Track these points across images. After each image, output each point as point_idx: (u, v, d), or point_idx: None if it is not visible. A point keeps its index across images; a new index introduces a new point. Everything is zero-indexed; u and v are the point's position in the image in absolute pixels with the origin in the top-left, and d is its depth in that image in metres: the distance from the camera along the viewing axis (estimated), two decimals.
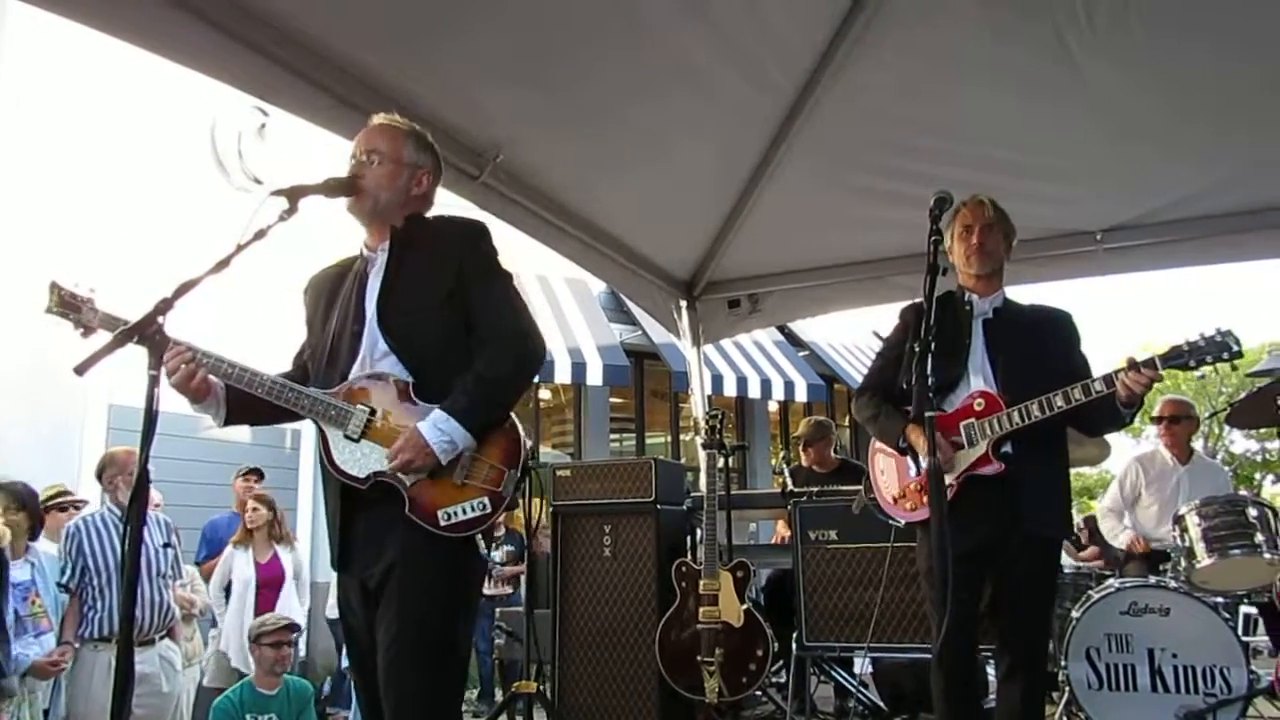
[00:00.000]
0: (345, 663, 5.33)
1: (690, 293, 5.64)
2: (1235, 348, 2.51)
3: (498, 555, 6.68)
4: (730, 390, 10.21)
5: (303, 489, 8.08)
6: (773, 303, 5.69)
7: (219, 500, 6.44)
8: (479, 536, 2.23)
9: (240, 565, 5.54)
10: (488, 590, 6.63)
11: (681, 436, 11.96)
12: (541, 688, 4.40)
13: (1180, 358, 2.56)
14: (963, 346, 2.90)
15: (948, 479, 2.80)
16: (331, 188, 2.30)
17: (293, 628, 4.47)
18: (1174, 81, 3.91)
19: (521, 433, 2.30)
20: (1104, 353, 2.88)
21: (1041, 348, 2.83)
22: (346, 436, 2.22)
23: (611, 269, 5.11)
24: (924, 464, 2.87)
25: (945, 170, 4.19)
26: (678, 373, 9.44)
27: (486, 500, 2.21)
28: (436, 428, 2.16)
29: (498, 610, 6.04)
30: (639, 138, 4.24)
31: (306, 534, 7.75)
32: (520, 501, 4.81)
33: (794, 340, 11.65)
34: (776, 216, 4.96)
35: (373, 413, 2.23)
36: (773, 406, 12.72)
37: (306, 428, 6.64)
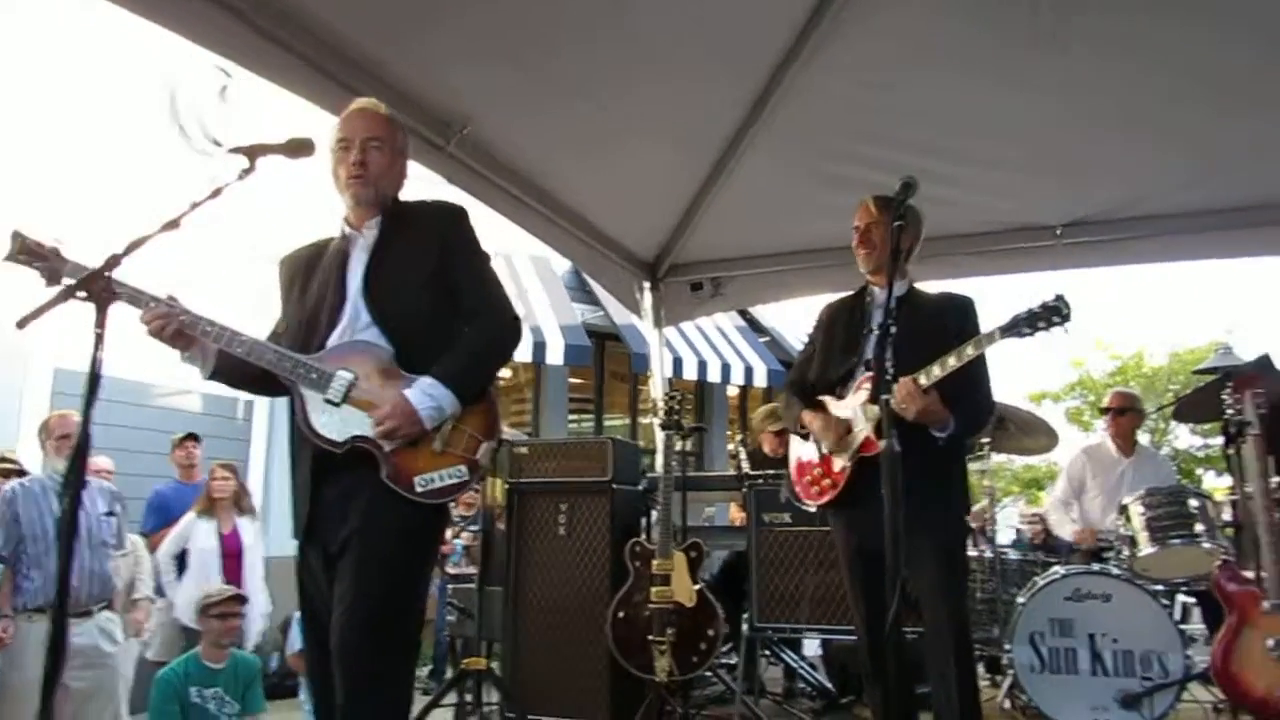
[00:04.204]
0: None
1: (654, 274, 5.63)
2: (1066, 311, 2.58)
3: (466, 536, 6.65)
4: (690, 373, 10.23)
5: (254, 460, 7.97)
6: (735, 287, 5.69)
7: (168, 469, 6.32)
8: (452, 505, 2.29)
9: (202, 535, 5.44)
10: (453, 570, 6.61)
11: (640, 419, 11.98)
12: (491, 665, 4.39)
13: (1017, 326, 2.63)
14: (862, 339, 3.03)
15: (840, 462, 2.88)
16: (293, 148, 2.25)
17: (239, 598, 4.41)
18: (1140, 78, 3.96)
19: (498, 406, 2.35)
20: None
21: (938, 333, 2.86)
22: (327, 400, 2.22)
23: (575, 247, 5.08)
24: (824, 449, 2.98)
25: (911, 159, 4.19)
26: (638, 354, 9.43)
27: (464, 468, 2.24)
28: (425, 394, 2.19)
29: (449, 588, 6.01)
30: (609, 117, 4.20)
31: (257, 506, 7.63)
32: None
33: (755, 326, 11.70)
34: (742, 201, 4.96)
35: (355, 378, 2.23)
36: (732, 391, 12.79)
37: (260, 398, 6.54)
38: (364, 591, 2.13)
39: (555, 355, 9.20)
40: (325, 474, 2.26)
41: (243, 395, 6.85)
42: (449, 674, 6.31)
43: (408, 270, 2.35)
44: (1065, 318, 2.60)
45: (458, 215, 2.45)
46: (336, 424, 2.21)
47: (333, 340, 2.30)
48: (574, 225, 4.90)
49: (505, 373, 11.12)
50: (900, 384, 2.68)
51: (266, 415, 7.95)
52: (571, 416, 11.62)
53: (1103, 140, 4.30)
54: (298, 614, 2.90)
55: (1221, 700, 3.73)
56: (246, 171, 2.11)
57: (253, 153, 2.12)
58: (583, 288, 10.21)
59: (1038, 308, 2.63)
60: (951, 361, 2.70)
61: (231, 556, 5.48)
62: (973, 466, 4.74)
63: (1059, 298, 2.62)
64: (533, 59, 3.75)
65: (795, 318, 11.93)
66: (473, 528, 6.58)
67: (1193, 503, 3.96)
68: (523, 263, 9.86)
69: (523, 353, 8.99)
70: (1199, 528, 3.88)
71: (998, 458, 4.98)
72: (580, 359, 9.61)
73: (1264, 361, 4.28)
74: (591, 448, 4.55)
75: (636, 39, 3.80)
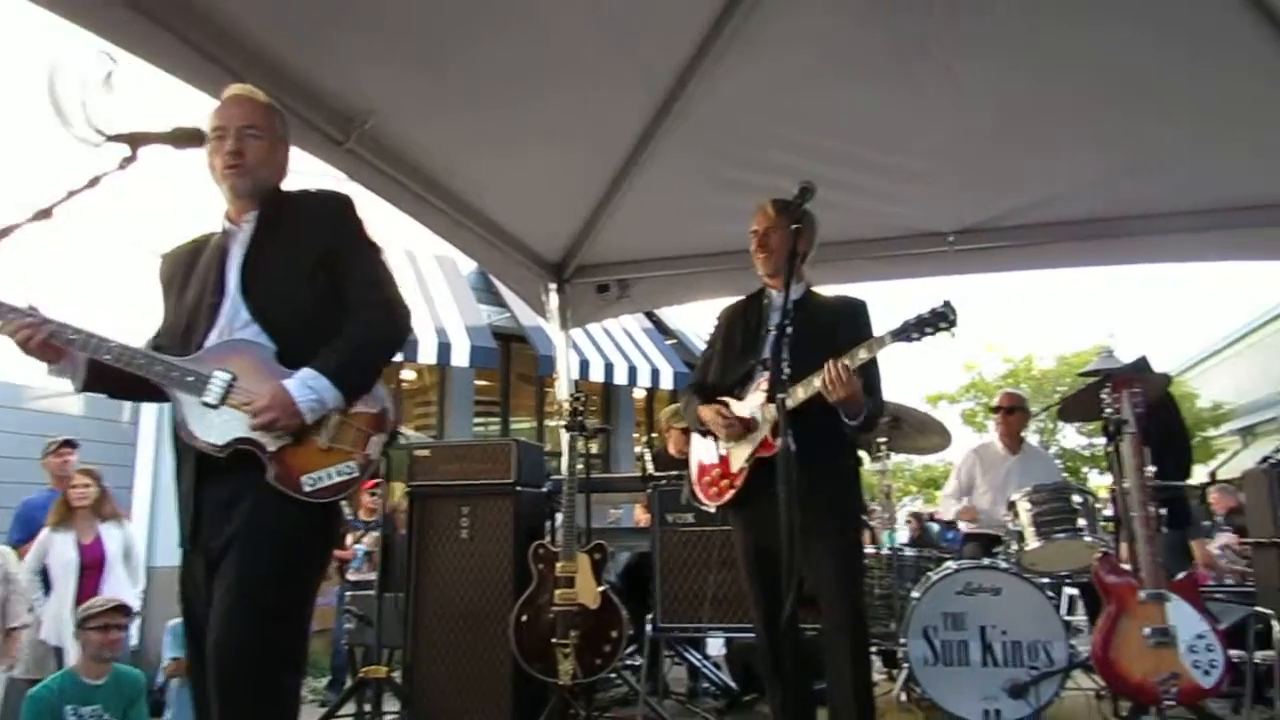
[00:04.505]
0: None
1: (560, 275, 5.60)
2: (952, 317, 2.66)
3: (368, 541, 6.48)
4: (597, 375, 10.22)
5: (141, 464, 7.60)
6: (641, 289, 5.71)
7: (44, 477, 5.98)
8: (343, 503, 2.19)
9: (60, 548, 5.08)
10: (354, 576, 6.43)
11: (547, 421, 11.91)
12: (392, 673, 4.29)
13: (906, 331, 2.71)
14: (760, 340, 3.06)
15: (738, 463, 2.93)
16: (178, 138, 2.17)
17: (122, 609, 4.19)
18: (1030, 90, 4.12)
19: (389, 400, 2.27)
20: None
21: (833, 335, 2.91)
22: (204, 404, 2.12)
23: (480, 247, 5.01)
24: (721, 449, 3.03)
25: (813, 165, 4.28)
26: (545, 356, 9.38)
27: (354, 464, 2.16)
28: (305, 385, 2.10)
29: (348, 594, 5.85)
30: (516, 118, 4.16)
31: (144, 513, 7.30)
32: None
33: (662, 328, 11.76)
34: (648, 203, 4.98)
35: (234, 378, 2.13)
36: (639, 393, 12.82)
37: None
38: (243, 594, 2.04)
39: (460, 357, 9.06)
40: (209, 479, 2.16)
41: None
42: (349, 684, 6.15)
43: (288, 263, 2.24)
44: (951, 323, 2.67)
45: (343, 204, 2.33)
46: (217, 427, 2.12)
47: (211, 340, 2.19)
48: (479, 225, 4.84)
49: (409, 375, 10.92)
50: (831, 367, 2.71)
51: (154, 418, 7.59)
52: (477, 419, 11.47)
53: (994, 150, 4.47)
54: (173, 622, 2.78)
55: (1103, 687, 3.91)
56: (128, 160, 2.02)
57: (135, 141, 2.04)
58: (489, 289, 10.10)
59: (926, 313, 2.70)
60: (862, 354, 2.75)
61: (92, 568, 5.11)
62: (873, 466, 4.86)
63: (946, 304, 2.69)
64: (439, 56, 3.69)
65: (702, 320, 12.05)
66: (375, 532, 6.44)
67: (1075, 499, 4.14)
68: (427, 262, 9.69)
69: (427, 354, 8.84)
70: (1081, 522, 4.07)
71: (897, 458, 5.11)
72: (486, 361, 9.49)
73: (1141, 364, 4.52)
74: (495, 450, 4.49)
75: (545, 41, 3.78)
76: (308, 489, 2.10)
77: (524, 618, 4.05)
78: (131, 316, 2.46)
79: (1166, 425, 4.80)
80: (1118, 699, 3.63)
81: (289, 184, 2.43)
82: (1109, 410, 3.54)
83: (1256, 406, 18.13)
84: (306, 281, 2.23)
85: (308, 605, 2.23)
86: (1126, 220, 4.82)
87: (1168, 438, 4.68)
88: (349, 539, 6.64)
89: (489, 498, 4.38)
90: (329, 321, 2.21)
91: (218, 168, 2.28)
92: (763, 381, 2.96)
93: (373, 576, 6.39)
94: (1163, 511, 4.03)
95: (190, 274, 2.32)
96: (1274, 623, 3.64)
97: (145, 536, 6.78)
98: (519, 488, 4.38)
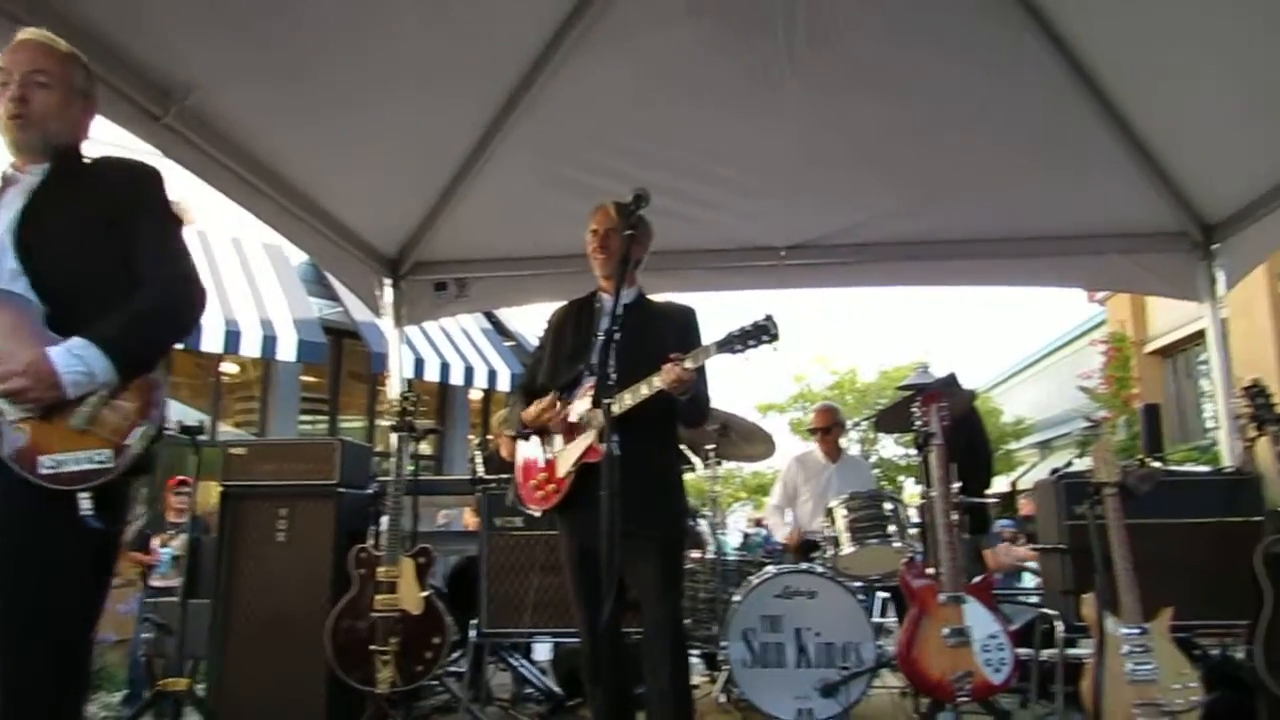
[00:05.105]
0: None
1: (395, 271, 5.45)
2: (774, 331, 2.72)
3: (175, 545, 6.06)
4: (432, 375, 10.00)
5: None
6: (480, 288, 5.63)
7: None
8: (86, 497, 1.87)
9: None
10: (160, 581, 6.00)
11: (379, 421, 11.54)
12: (194, 684, 4.03)
13: (730, 343, 2.76)
14: (589, 345, 3.06)
15: (564, 467, 2.95)
16: None
17: None
18: (863, 116, 4.35)
19: (164, 389, 2.03)
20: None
21: (659, 342, 2.93)
22: None
23: (310, 237, 4.80)
24: (548, 451, 3.04)
25: (652, 174, 4.36)
26: (377, 354, 9.07)
27: (108, 453, 1.90)
28: (72, 354, 1.87)
29: (149, 601, 5.46)
30: (355, 105, 4.02)
31: None
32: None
33: (501, 329, 11.64)
34: (490, 202, 4.92)
35: None
36: (475, 394, 12.64)
37: None
38: None
39: (287, 351, 8.65)
40: None
41: None
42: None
43: (74, 221, 2.01)
44: (773, 337, 2.73)
45: (148, 176, 2.13)
46: None
47: None
48: (310, 214, 4.63)
49: (230, 368, 10.32)
50: (674, 370, 2.72)
51: None
52: (304, 417, 10.99)
53: (825, 170, 4.69)
54: None
55: (907, 685, 4.13)
56: None
57: None
58: (320, 281, 9.69)
59: (749, 326, 2.75)
60: (688, 364, 2.77)
61: None
62: (703, 473, 4.97)
63: (767, 318, 2.74)
64: (272, 32, 3.51)
65: (542, 322, 12.00)
66: (185, 535, 6.04)
67: (887, 506, 4.38)
68: (254, 250, 9.20)
69: (251, 347, 8.40)
70: (891, 529, 4.30)
71: (728, 465, 5.26)
72: (314, 356, 9.10)
73: (950, 380, 4.81)
74: (317, 449, 4.30)
75: (390, 31, 3.68)
76: (44, 471, 1.85)
77: (342, 624, 3.90)
78: None
79: (971, 438, 5.15)
80: (919, 696, 3.84)
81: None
82: (918, 423, 3.75)
83: (1053, 422, 19.75)
84: (90, 245, 2.01)
85: (68, 616, 1.94)
86: (939, 244, 5.17)
87: (971, 450, 5.00)
88: (154, 541, 6.22)
89: (309, 499, 4.19)
90: (113, 290, 1.99)
91: (0, 117, 2.05)
92: (591, 386, 2.96)
93: (179, 582, 6.00)
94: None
95: None
96: (1058, 624, 3.95)
97: None
98: (342, 489, 4.21)
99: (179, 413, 9.52)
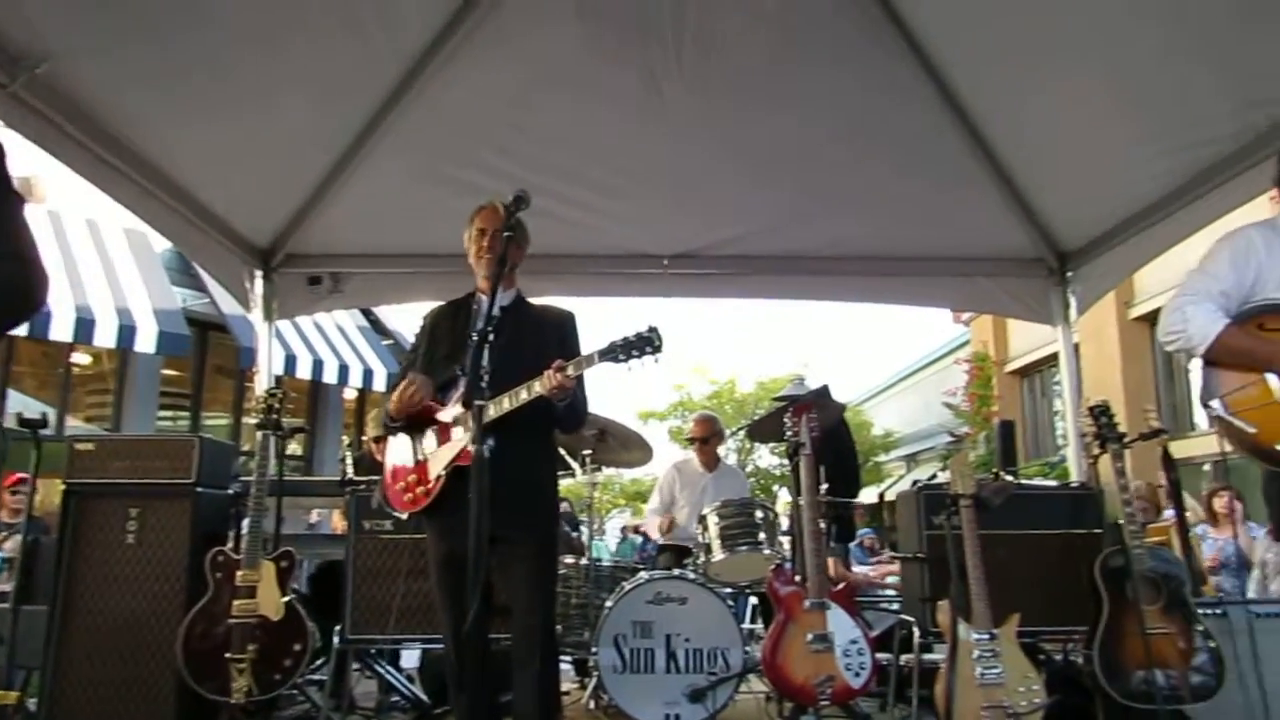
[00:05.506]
0: None
1: (267, 263, 5.22)
2: (658, 343, 2.76)
3: (9, 546, 5.63)
4: (304, 372, 9.67)
5: None
6: (357, 285, 5.47)
7: None
8: None
9: None
10: None
11: (247, 419, 11.08)
12: (25, 698, 3.76)
13: (613, 352, 2.78)
14: (464, 347, 3.01)
15: (437, 470, 2.90)
16: None
17: None
18: (744, 130, 4.43)
19: None
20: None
21: (536, 346, 2.94)
22: None
23: (174, 223, 4.53)
24: (419, 454, 2.98)
25: (536, 177, 4.35)
26: (246, 348, 8.71)
27: None
28: None
29: None
30: (229, 86, 3.83)
31: None
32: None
33: (379, 328, 11.36)
34: (369, 197, 4.79)
35: None
36: (350, 393, 12.28)
37: None
38: None
39: (146, 342, 8.21)
40: None
41: None
42: None
43: None
44: (657, 349, 2.75)
45: None
46: None
47: None
48: (176, 199, 4.37)
49: (82, 358, 9.72)
50: (556, 377, 2.70)
51: None
52: (164, 413, 10.45)
53: (711, 181, 4.76)
54: None
55: (774, 690, 4.21)
56: None
57: None
58: (187, 270, 9.26)
59: (632, 336, 2.76)
60: (570, 371, 2.76)
61: None
62: (582, 479, 4.97)
63: (652, 329, 2.76)
64: (145, 3, 3.31)
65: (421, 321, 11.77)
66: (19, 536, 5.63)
67: (758, 514, 4.46)
68: (113, 235, 8.70)
69: (105, 337, 7.94)
70: (761, 536, 4.39)
71: (608, 471, 5.28)
72: (177, 349, 8.68)
73: (822, 392, 4.96)
74: (173, 446, 4.07)
75: (272, 9, 3.52)
76: None
77: (195, 631, 3.71)
78: None
79: (839, 449, 5.31)
80: (783, 700, 3.92)
81: None
82: (789, 433, 3.85)
83: (920, 436, 20.64)
84: None
85: None
86: (818, 259, 5.33)
87: (840, 460, 5.16)
88: None
89: (163, 499, 3.97)
90: None
91: None
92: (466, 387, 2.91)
93: (11, 587, 5.59)
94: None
95: None
96: (915, 629, 4.10)
97: None
98: (200, 488, 4.00)
99: (19, 404, 8.91)
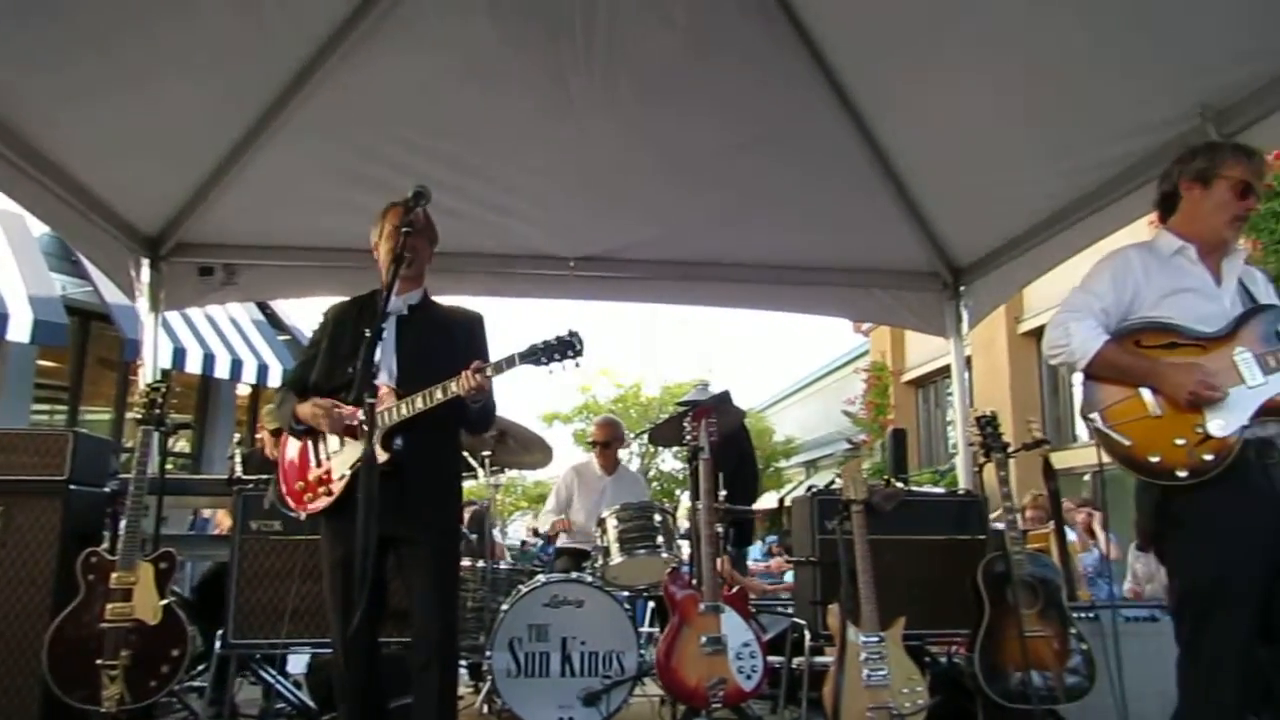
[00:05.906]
0: None
1: (155, 251, 5.00)
2: (579, 347, 2.78)
3: None
4: (194, 367, 9.27)
5: None
6: (251, 277, 5.28)
7: None
8: None
9: None
10: None
11: (130, 414, 10.55)
12: None
13: (535, 355, 2.79)
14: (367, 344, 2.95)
15: (340, 470, 2.84)
16: None
17: None
18: (654, 132, 4.43)
19: None
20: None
21: (446, 345, 2.93)
22: None
23: (53, 208, 4.27)
24: (322, 453, 2.92)
25: (442, 173, 4.29)
26: (131, 340, 8.29)
27: None
28: None
29: None
30: (114, 65, 3.65)
31: None
32: None
33: (275, 322, 11.00)
34: (266, 186, 4.63)
35: None
36: (243, 389, 11.85)
37: None
38: None
39: (20, 331, 7.75)
40: None
41: None
42: None
43: None
44: (578, 353, 2.76)
45: None
46: None
47: None
48: (55, 182, 4.13)
49: None
50: (474, 378, 2.68)
51: None
52: (40, 406, 9.89)
53: (620, 183, 4.76)
54: None
55: (667, 693, 4.24)
56: None
57: None
58: (68, 256, 8.78)
59: (554, 340, 2.75)
60: (489, 373, 2.74)
61: None
62: (485, 480, 4.91)
63: (572, 334, 2.76)
64: None
65: (320, 316, 11.44)
66: None
67: (656, 517, 4.50)
68: None
69: None
70: (659, 539, 4.42)
71: (510, 473, 5.23)
72: (53, 338, 8.21)
73: (723, 397, 5.02)
74: (44, 440, 3.85)
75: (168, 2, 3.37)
76: None
77: (63, 635, 3.51)
78: None
79: (739, 454, 5.39)
80: (676, 703, 3.95)
81: None
82: (689, 437, 3.88)
83: (819, 443, 21.10)
84: None
85: None
86: (724, 266, 5.40)
87: (739, 465, 5.23)
88: None
89: (31, 496, 3.75)
90: None
91: None
92: (385, 389, 2.85)
93: None
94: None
95: None
96: (806, 632, 4.18)
97: None
98: (72, 486, 3.80)
99: None
